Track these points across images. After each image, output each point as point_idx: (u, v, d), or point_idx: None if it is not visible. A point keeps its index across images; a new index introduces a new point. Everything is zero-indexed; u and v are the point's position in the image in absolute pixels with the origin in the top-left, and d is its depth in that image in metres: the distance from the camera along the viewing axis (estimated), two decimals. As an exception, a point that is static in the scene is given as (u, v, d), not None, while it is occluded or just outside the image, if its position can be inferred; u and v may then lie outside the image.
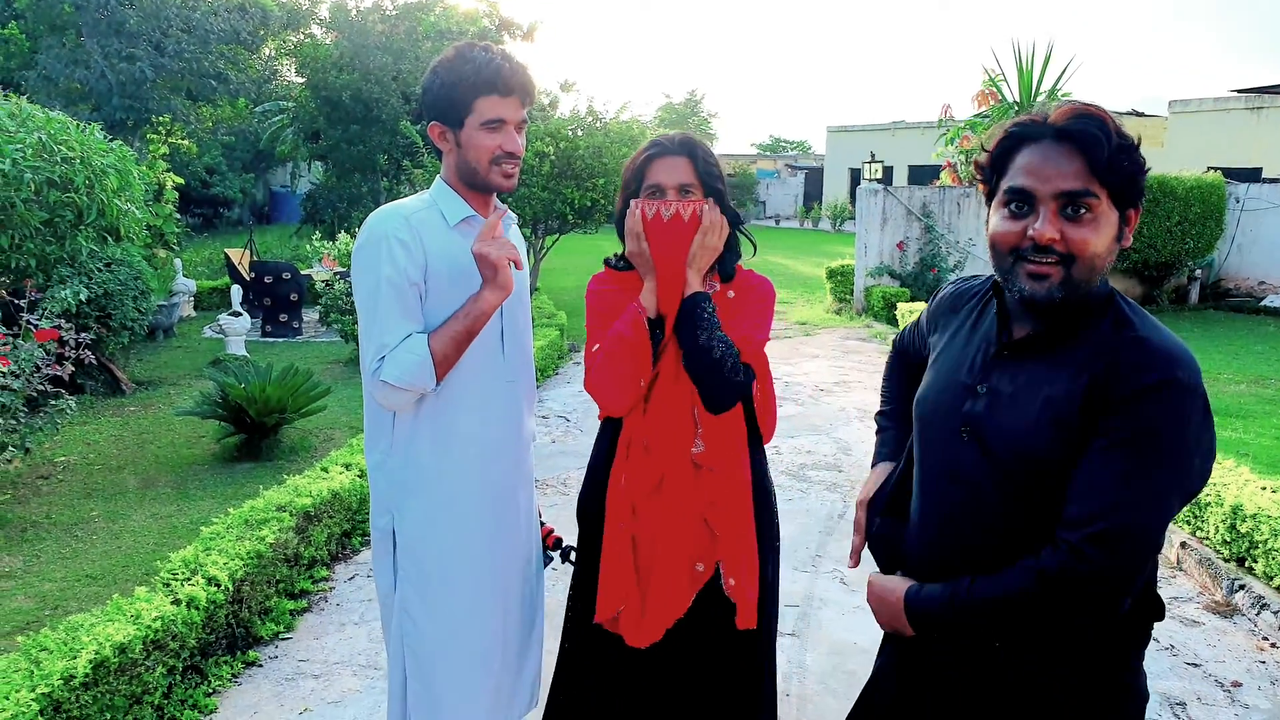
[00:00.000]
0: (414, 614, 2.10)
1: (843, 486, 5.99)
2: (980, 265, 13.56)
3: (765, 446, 2.33)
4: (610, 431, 2.28)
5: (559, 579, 4.38)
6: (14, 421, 5.10)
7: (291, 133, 17.04)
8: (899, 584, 1.59)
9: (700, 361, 2.06)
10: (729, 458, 2.16)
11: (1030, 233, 1.45)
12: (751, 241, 2.35)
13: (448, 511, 2.10)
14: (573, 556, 2.49)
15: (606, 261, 2.35)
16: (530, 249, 12.70)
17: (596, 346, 2.19)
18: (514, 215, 2.29)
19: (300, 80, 16.28)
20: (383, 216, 2.05)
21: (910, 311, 11.17)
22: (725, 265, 2.23)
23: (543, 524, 2.48)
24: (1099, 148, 1.41)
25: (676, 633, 2.15)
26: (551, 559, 2.49)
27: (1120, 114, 21.89)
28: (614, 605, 2.15)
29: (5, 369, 4.91)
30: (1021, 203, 1.48)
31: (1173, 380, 1.39)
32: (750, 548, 2.17)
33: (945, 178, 14.07)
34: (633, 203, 2.15)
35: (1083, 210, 1.43)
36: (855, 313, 13.75)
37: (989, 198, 1.58)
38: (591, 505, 2.27)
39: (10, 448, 5.06)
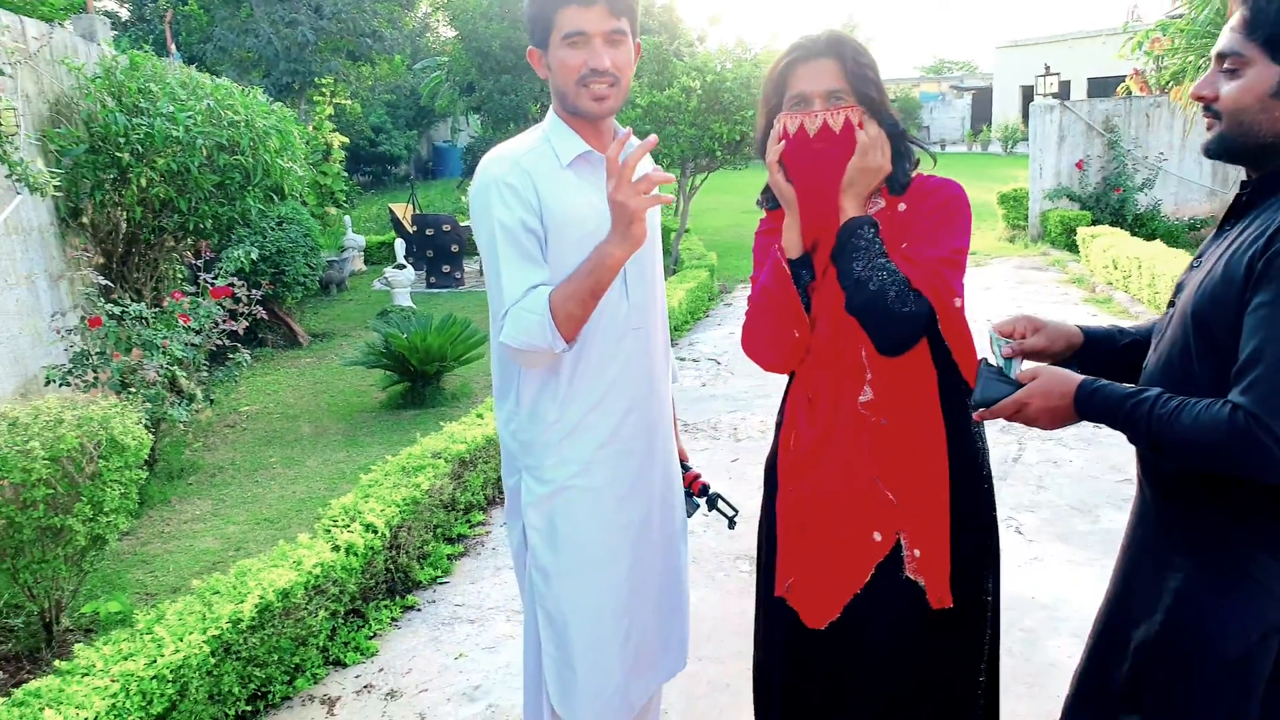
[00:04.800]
0: (546, 573, 2.04)
1: (1016, 428, 5.64)
2: (1173, 182, 12.46)
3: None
4: (787, 384, 2.04)
5: (709, 525, 4.31)
6: (199, 375, 5.43)
7: (448, 87, 17.38)
8: (1070, 375, 1.56)
9: (858, 297, 1.78)
10: (907, 408, 1.85)
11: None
12: (926, 150, 1.98)
13: (575, 468, 2.01)
14: (720, 505, 2.36)
15: (757, 202, 2.07)
16: (679, 189, 12.52)
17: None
18: (626, 129, 2.11)
19: (453, 33, 16.55)
20: (491, 160, 1.93)
21: (1092, 236, 10.37)
22: (895, 177, 1.88)
23: (688, 469, 2.35)
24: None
25: (861, 613, 1.89)
26: (698, 506, 2.36)
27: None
28: (786, 576, 1.97)
29: (187, 326, 5.21)
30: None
31: None
32: (941, 515, 1.85)
33: (1132, 86, 12.93)
34: (776, 121, 1.87)
35: (1233, 69, 1.45)
36: (1030, 240, 12.94)
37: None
38: (771, 466, 2.07)
39: (198, 399, 5.40)
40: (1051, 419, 1.56)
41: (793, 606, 1.97)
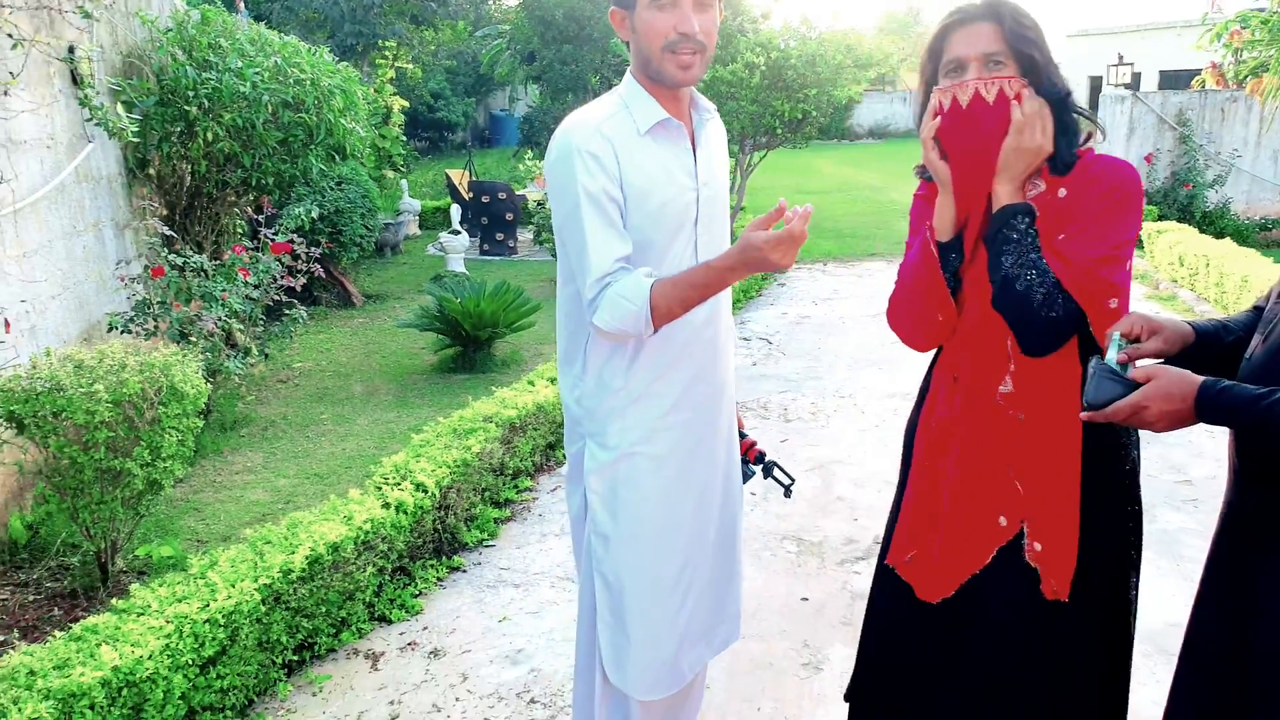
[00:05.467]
0: (606, 539, 2.02)
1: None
2: (1245, 180, 12.09)
3: None
4: (935, 356, 2.02)
5: (756, 505, 4.28)
6: (255, 329, 5.50)
7: (508, 55, 17.37)
8: (1189, 375, 1.48)
9: (1004, 296, 1.71)
10: (1045, 404, 1.78)
11: None
12: (1094, 122, 1.82)
13: (639, 435, 2.00)
14: (776, 472, 2.32)
15: (916, 171, 2.00)
16: (736, 166, 12.42)
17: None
18: (712, 106, 2.09)
19: (516, 1, 16.52)
20: (572, 128, 1.88)
21: (1158, 232, 10.10)
22: (1058, 155, 1.74)
23: (744, 436, 2.32)
24: None
25: (977, 592, 1.86)
26: (753, 473, 2.33)
27: None
28: (906, 549, 1.95)
29: (246, 280, 5.26)
30: None
31: None
32: (1068, 512, 1.78)
33: (1208, 79, 12.54)
34: (932, 95, 1.78)
35: None
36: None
37: None
38: (909, 436, 2.04)
39: (253, 353, 5.46)
40: (1170, 422, 1.48)
41: (906, 578, 1.95)
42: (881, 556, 2.04)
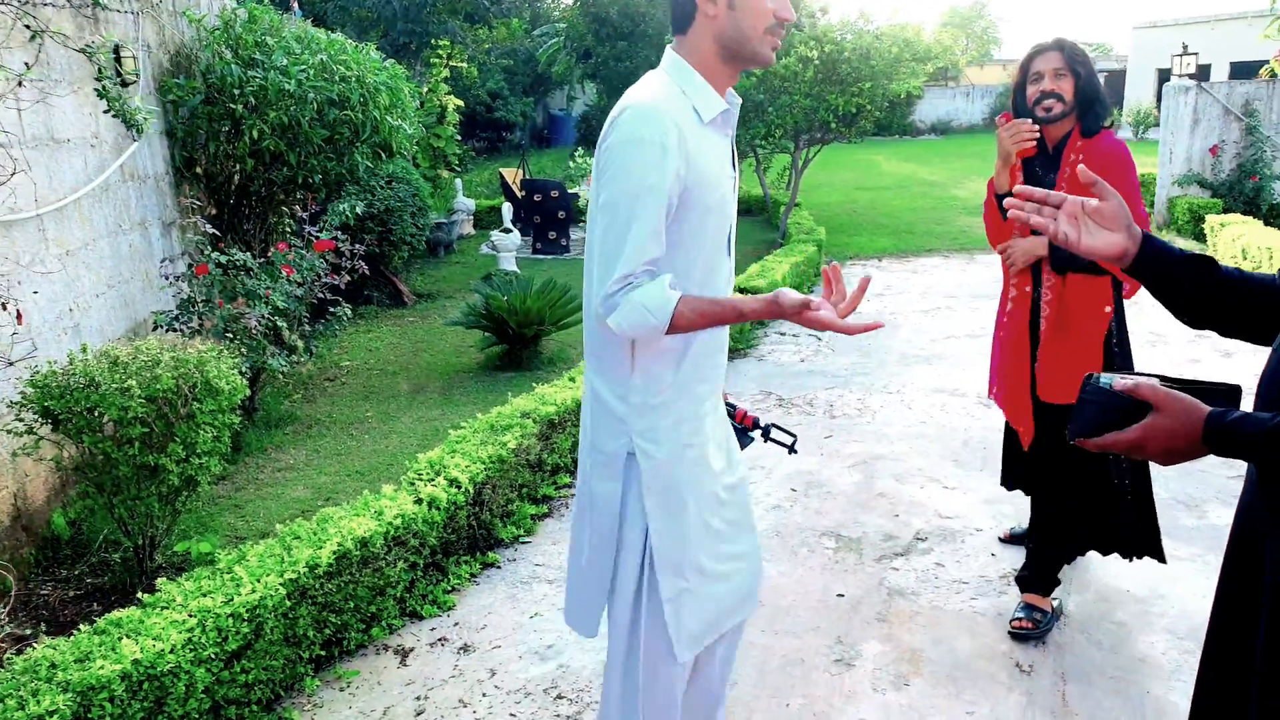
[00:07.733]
0: (659, 527, 1.99)
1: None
2: (1318, 169, 11.59)
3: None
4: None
5: (796, 500, 4.17)
6: (302, 328, 5.53)
7: (564, 54, 17.41)
8: (1193, 404, 1.35)
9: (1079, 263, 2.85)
10: (1077, 305, 2.97)
11: None
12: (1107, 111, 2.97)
13: (691, 429, 1.99)
14: (775, 434, 2.37)
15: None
16: (790, 162, 12.27)
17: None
18: (738, 99, 2.04)
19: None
20: (645, 116, 1.79)
21: (1221, 224, 9.74)
22: (1090, 120, 2.91)
23: (735, 408, 2.33)
24: None
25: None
26: (752, 439, 2.35)
27: None
28: (995, 386, 3.26)
29: (290, 277, 5.30)
30: None
31: None
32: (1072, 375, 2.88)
33: (1276, 68, 12.06)
34: (1021, 119, 2.94)
35: None
36: (1155, 228, 12.25)
37: None
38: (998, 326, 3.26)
39: (299, 351, 5.50)
40: (1174, 459, 1.36)
41: (1015, 427, 3.19)
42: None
